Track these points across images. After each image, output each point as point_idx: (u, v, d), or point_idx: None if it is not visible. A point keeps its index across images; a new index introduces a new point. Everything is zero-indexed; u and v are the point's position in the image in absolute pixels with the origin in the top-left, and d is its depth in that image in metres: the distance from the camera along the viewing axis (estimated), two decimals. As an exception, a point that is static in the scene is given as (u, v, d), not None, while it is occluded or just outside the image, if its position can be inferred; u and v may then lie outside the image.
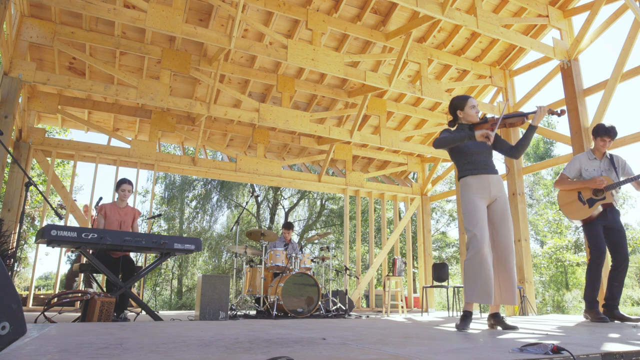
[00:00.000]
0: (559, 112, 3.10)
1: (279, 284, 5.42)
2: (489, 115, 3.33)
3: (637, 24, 5.62)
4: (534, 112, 3.15)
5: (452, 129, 3.35)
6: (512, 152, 3.27)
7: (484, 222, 3.07)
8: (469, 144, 3.19)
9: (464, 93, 8.14)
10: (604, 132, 4.09)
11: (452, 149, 3.28)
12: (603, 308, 3.96)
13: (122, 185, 4.87)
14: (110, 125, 7.81)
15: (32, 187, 3.93)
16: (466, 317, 2.98)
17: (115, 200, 4.93)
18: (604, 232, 3.99)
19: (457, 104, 3.31)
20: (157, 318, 4.26)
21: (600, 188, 3.93)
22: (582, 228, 4.14)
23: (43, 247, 12.67)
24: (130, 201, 5.28)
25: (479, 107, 7.58)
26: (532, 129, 3.15)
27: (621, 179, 4.03)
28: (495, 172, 3.22)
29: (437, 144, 3.19)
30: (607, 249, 3.99)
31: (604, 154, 4.14)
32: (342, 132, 7.68)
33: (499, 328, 3.02)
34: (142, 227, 17.42)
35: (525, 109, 7.59)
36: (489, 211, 3.18)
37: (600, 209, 3.96)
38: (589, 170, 4.07)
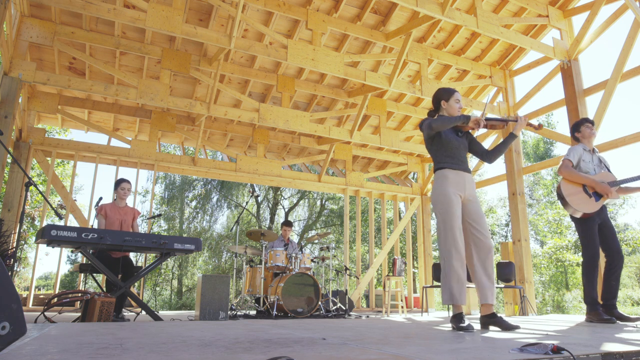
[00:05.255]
0: (536, 125, 3.24)
1: (279, 284, 5.42)
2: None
3: (637, 24, 5.62)
4: (515, 120, 3.20)
5: (433, 118, 3.31)
6: (488, 156, 3.27)
7: (460, 220, 3.02)
8: (450, 137, 3.14)
9: (464, 93, 8.15)
10: (584, 120, 4.17)
11: (433, 139, 3.20)
12: (602, 308, 3.91)
13: (121, 184, 4.88)
14: (110, 125, 7.81)
15: (32, 187, 3.93)
16: (462, 317, 2.90)
17: (114, 200, 4.93)
18: (598, 230, 3.94)
19: (443, 94, 3.28)
20: (157, 318, 4.26)
21: (605, 195, 3.84)
22: (576, 226, 3.99)
23: (43, 247, 12.68)
24: (130, 201, 5.29)
25: (479, 107, 7.61)
26: (512, 137, 3.20)
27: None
28: (470, 171, 3.23)
29: (435, 125, 3.03)
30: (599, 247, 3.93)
31: (594, 149, 4.15)
32: (342, 132, 7.68)
33: (496, 329, 2.91)
34: (142, 227, 17.43)
35: (525, 108, 7.60)
36: (466, 210, 3.12)
37: (604, 203, 3.94)
38: (586, 162, 4.04)
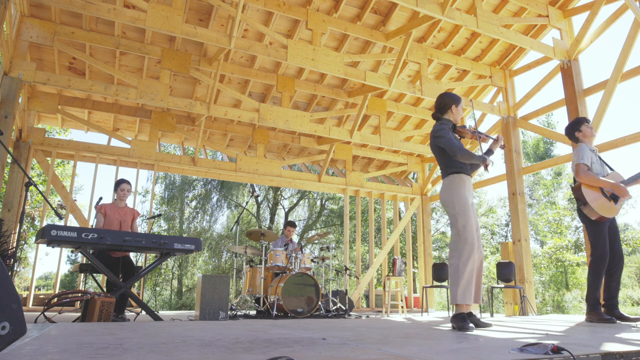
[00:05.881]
0: (504, 145, 3.55)
1: (279, 284, 5.42)
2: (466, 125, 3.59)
3: (637, 24, 5.62)
4: (494, 139, 3.46)
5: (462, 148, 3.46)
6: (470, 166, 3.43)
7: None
8: (461, 146, 3.23)
9: (463, 93, 8.15)
10: (583, 119, 4.17)
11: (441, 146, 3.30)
12: (603, 308, 3.91)
13: (121, 185, 4.88)
14: (110, 125, 7.81)
15: (32, 187, 3.93)
16: (465, 317, 2.95)
17: (114, 200, 4.93)
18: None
19: (453, 100, 3.40)
20: (157, 318, 4.26)
21: (625, 197, 3.81)
22: (587, 226, 3.96)
23: (43, 247, 12.68)
24: (130, 201, 5.29)
25: (479, 107, 7.61)
26: (489, 153, 3.41)
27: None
28: None
29: (463, 157, 3.12)
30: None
31: (593, 149, 4.14)
32: (342, 132, 7.68)
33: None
34: (142, 227, 17.42)
35: (525, 108, 7.59)
36: None
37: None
38: (595, 163, 4.02)
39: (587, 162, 3.91)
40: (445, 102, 3.40)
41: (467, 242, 3.04)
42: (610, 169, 4.07)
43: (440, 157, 3.33)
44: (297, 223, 21.13)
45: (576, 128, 4.16)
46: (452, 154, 3.17)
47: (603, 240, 3.85)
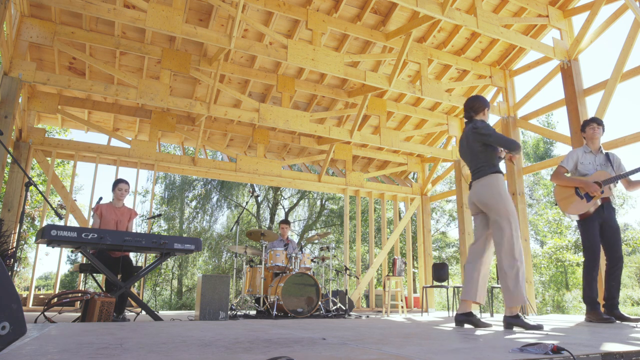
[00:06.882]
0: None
1: (279, 284, 5.42)
2: None
3: (637, 24, 5.62)
4: None
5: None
6: None
7: None
8: (511, 138, 3.28)
9: (463, 93, 8.15)
10: (590, 120, 4.24)
11: (488, 145, 3.33)
12: (603, 308, 3.93)
13: (118, 184, 4.88)
14: (110, 125, 7.81)
15: (32, 187, 3.94)
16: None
17: (112, 200, 4.93)
18: (599, 229, 3.96)
19: (485, 104, 3.51)
20: (157, 318, 4.26)
21: (594, 195, 3.90)
22: (577, 224, 4.09)
23: (43, 247, 12.68)
24: (130, 201, 5.29)
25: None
26: None
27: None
28: None
29: (518, 149, 3.19)
30: (601, 248, 3.97)
31: (599, 148, 4.16)
32: (342, 132, 7.68)
33: (468, 326, 3.14)
34: (142, 227, 17.41)
35: (525, 108, 7.59)
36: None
37: (598, 202, 3.96)
38: (585, 164, 4.09)
39: (567, 166, 4.11)
40: (479, 105, 3.49)
41: (519, 246, 3.09)
42: (612, 167, 4.07)
43: (480, 154, 3.31)
44: (297, 223, 21.14)
45: (582, 130, 4.30)
46: (510, 149, 3.19)
47: (591, 239, 3.92)
